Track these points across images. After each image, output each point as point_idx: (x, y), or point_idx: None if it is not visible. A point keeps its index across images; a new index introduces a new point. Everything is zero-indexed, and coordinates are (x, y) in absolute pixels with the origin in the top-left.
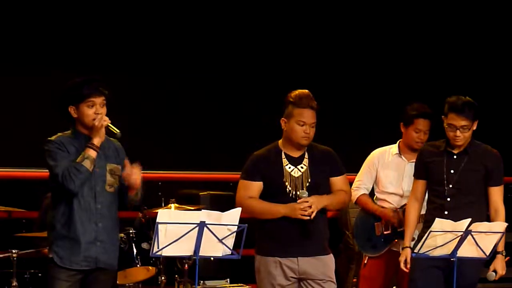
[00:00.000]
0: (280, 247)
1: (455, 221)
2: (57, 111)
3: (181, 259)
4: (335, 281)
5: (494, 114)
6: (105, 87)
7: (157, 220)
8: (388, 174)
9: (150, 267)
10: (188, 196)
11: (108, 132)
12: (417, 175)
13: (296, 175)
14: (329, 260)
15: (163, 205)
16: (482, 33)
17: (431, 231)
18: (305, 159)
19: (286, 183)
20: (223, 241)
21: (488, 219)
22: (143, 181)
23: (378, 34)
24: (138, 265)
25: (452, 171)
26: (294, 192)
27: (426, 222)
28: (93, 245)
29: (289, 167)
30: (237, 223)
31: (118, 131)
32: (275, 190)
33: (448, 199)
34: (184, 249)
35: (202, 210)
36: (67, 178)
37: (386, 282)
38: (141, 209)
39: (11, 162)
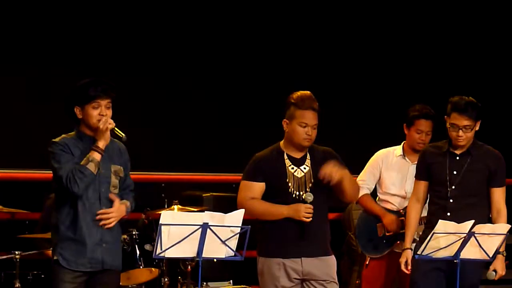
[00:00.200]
0: (283, 248)
1: (457, 222)
2: (63, 111)
3: (184, 260)
4: (337, 281)
5: (497, 114)
6: (113, 89)
7: (160, 222)
8: (391, 175)
9: (153, 269)
10: (191, 198)
11: (114, 135)
12: (419, 176)
13: (299, 176)
14: (332, 261)
15: (166, 206)
16: (487, 34)
17: (434, 233)
18: (307, 160)
19: (290, 184)
20: (226, 242)
21: (491, 221)
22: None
23: (381, 34)
24: (141, 267)
25: (455, 172)
26: (297, 193)
27: (428, 223)
28: (99, 246)
29: (292, 168)
30: (240, 225)
31: (123, 134)
32: (277, 191)
33: (451, 200)
34: (187, 250)
35: (205, 212)
36: (71, 181)
37: (387, 284)
38: (144, 210)
39: (13, 163)
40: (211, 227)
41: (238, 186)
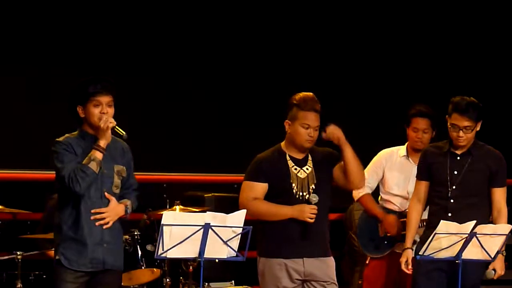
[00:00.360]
0: (285, 248)
1: (458, 222)
2: (65, 111)
3: (186, 261)
4: (336, 283)
5: (498, 114)
6: (112, 85)
7: (162, 222)
8: (394, 175)
9: (155, 269)
10: (193, 198)
11: (114, 133)
12: (420, 176)
13: (302, 177)
14: (331, 262)
15: (168, 207)
16: (488, 34)
17: (436, 233)
18: (309, 161)
19: (293, 185)
20: (228, 243)
21: (491, 221)
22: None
23: (383, 34)
24: (142, 267)
25: (455, 172)
26: (300, 194)
27: (429, 224)
28: (100, 246)
29: (295, 169)
30: (242, 225)
31: (124, 133)
32: (281, 192)
33: (452, 200)
34: (189, 251)
35: (207, 212)
36: (73, 180)
37: (388, 284)
38: (146, 211)
39: (15, 163)
40: (213, 227)
41: (239, 186)
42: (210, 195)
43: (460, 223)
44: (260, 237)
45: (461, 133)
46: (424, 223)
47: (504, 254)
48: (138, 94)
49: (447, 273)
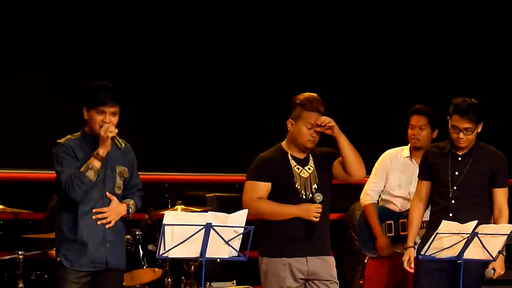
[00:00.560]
0: (288, 248)
1: (459, 223)
2: (67, 111)
3: (187, 260)
4: (338, 281)
5: (500, 115)
6: (123, 97)
7: (164, 222)
8: (397, 176)
9: (156, 269)
10: (194, 198)
11: (113, 143)
12: (422, 176)
13: (305, 176)
14: (332, 261)
15: (169, 206)
16: (490, 34)
17: (437, 233)
18: (310, 160)
19: (297, 184)
20: (230, 242)
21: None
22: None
23: (385, 35)
24: (144, 267)
25: (456, 173)
26: (303, 193)
27: (430, 224)
28: (102, 246)
29: (298, 168)
30: (243, 225)
31: (122, 144)
32: (284, 191)
33: (453, 201)
34: (190, 250)
35: (209, 212)
36: (69, 187)
37: (390, 284)
38: (147, 211)
39: (17, 163)
40: (214, 227)
41: (241, 186)
42: (211, 195)
43: (461, 223)
44: (262, 237)
45: (461, 135)
46: (425, 225)
47: (505, 254)
48: (140, 94)
49: (448, 273)
